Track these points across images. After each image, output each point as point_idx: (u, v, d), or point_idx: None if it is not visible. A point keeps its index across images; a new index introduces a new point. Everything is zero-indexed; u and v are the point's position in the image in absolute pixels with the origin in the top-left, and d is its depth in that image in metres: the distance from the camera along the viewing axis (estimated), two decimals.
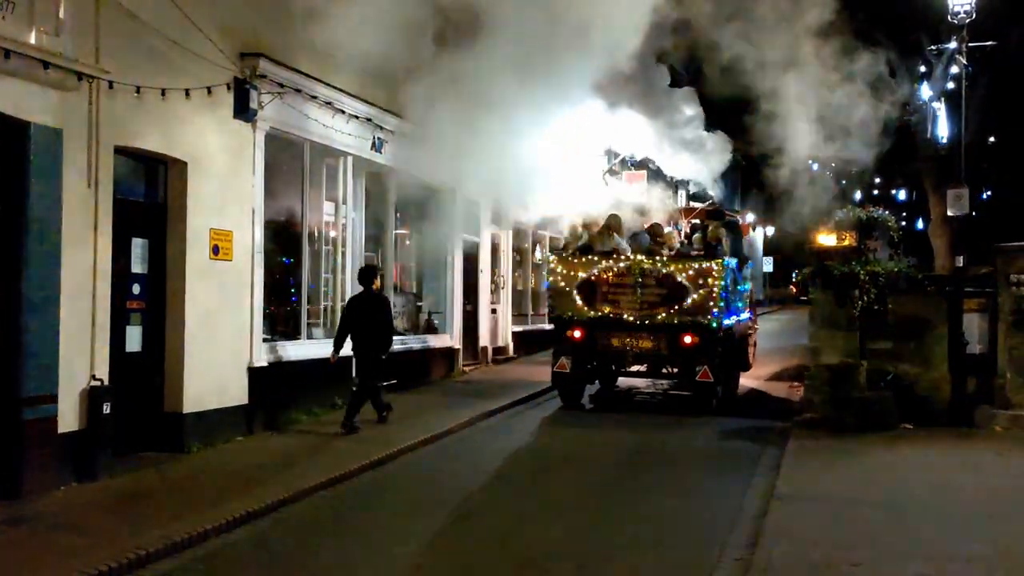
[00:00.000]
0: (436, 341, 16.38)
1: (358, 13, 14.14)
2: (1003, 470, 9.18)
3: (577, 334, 13.65)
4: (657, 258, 13.66)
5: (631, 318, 13.43)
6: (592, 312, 13.58)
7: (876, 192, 35.29)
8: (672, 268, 13.37)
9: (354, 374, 12.08)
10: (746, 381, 16.34)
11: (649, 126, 19.89)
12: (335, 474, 9.07)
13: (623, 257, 13.74)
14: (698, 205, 18.84)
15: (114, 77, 8.71)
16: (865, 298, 12.27)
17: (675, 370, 13.92)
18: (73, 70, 8.19)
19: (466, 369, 17.30)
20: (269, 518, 7.80)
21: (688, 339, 13.22)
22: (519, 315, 21.53)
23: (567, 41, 17.72)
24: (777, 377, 18.05)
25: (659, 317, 13.33)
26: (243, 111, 10.65)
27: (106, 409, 8.66)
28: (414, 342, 15.56)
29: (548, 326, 22.60)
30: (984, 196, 29.88)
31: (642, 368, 14.19)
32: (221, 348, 10.59)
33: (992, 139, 23.57)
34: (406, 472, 9.66)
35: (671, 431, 12.15)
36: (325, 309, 13.36)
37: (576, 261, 13.92)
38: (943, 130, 21.52)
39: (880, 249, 14.15)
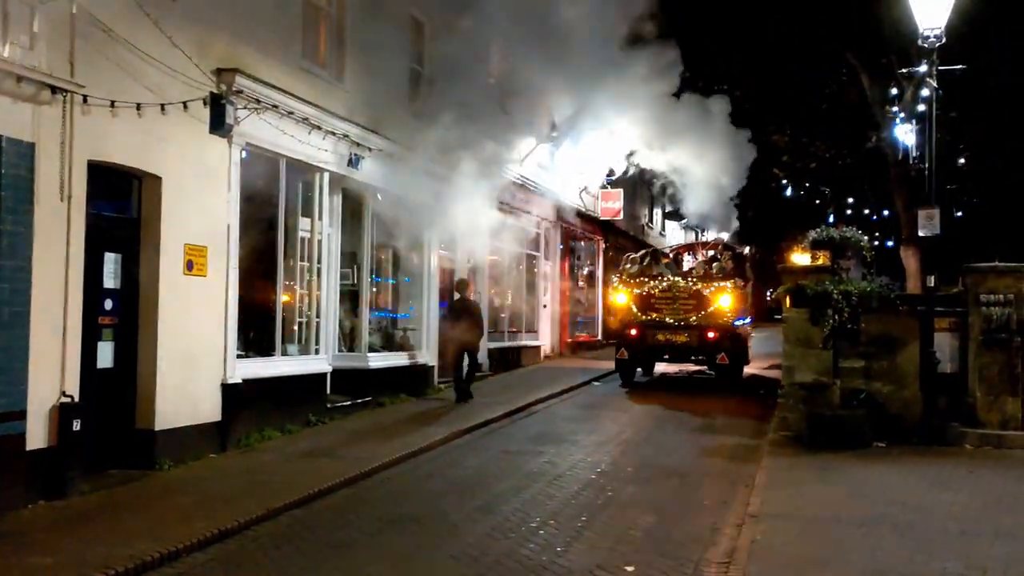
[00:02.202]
0: (410, 358, 16.32)
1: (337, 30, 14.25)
2: (974, 488, 9.26)
3: (633, 332, 18.97)
4: (689, 279, 19.19)
5: (671, 320, 18.75)
6: (644, 317, 18.90)
7: (849, 212, 35.71)
8: (700, 286, 18.84)
9: (464, 359, 15.99)
10: (746, 369, 20.48)
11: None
12: (309, 492, 9.00)
13: (665, 278, 19.14)
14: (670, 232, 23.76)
15: (88, 91, 8.67)
16: (838, 317, 12.37)
17: (702, 357, 19.09)
18: (47, 84, 8.15)
19: (441, 386, 17.22)
20: (241, 536, 7.72)
21: (711, 334, 18.41)
22: (496, 332, 21.51)
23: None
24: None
25: (691, 320, 18.61)
26: (219, 126, 10.60)
27: (76, 426, 8.57)
28: (388, 359, 15.49)
29: (524, 343, 22.86)
30: (955, 216, 30.30)
31: (678, 355, 19.46)
32: (194, 364, 10.51)
33: (962, 160, 23.96)
34: (381, 489, 9.60)
35: (647, 448, 12.18)
36: (300, 325, 13.29)
37: (632, 281, 19.40)
38: (913, 151, 21.85)
39: (853, 268, 14.29)
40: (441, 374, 17.53)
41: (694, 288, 18.86)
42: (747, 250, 23.14)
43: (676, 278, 19.23)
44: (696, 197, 24.97)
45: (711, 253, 21.09)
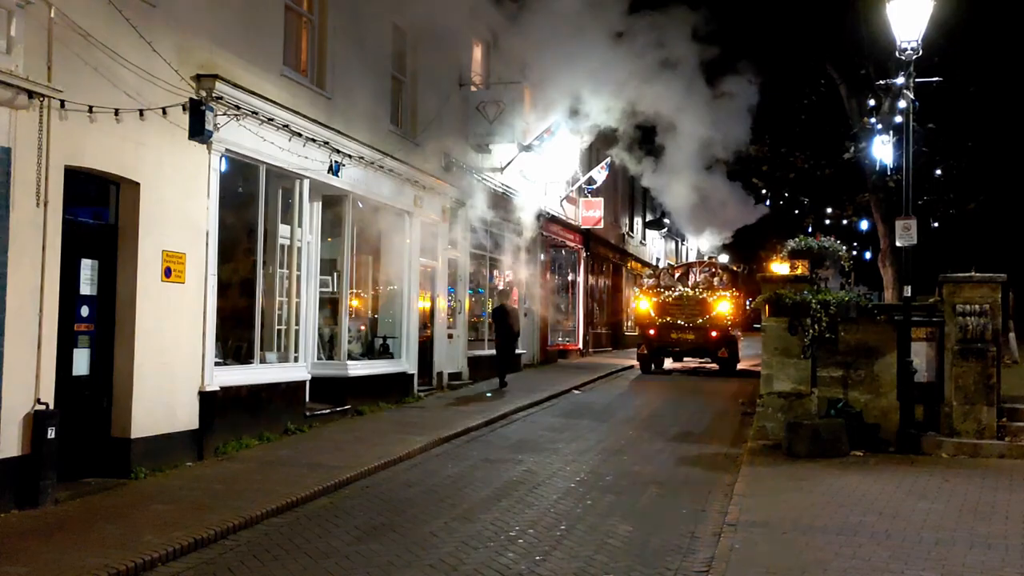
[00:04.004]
0: (390, 366, 16.27)
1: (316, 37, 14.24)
2: (950, 497, 9.33)
3: (652, 333, 24.31)
4: (696, 290, 24.56)
5: (682, 323, 24.05)
6: (660, 320, 24.17)
7: (828, 222, 35.90)
8: (704, 295, 24.39)
9: (496, 355, 19.64)
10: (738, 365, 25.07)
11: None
12: (287, 500, 8.95)
13: (677, 289, 24.63)
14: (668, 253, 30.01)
15: (66, 96, 8.61)
16: (816, 326, 12.44)
17: (706, 352, 24.50)
18: (24, 88, 8.07)
19: (421, 394, 17.19)
20: (218, 545, 7.67)
21: (714, 334, 23.85)
22: (476, 340, 21.49)
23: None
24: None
25: (697, 322, 23.92)
26: (198, 132, 10.54)
27: (51, 434, 8.47)
28: (368, 367, 15.43)
29: None
30: (932, 226, 30.50)
31: (688, 351, 24.66)
32: (172, 372, 10.43)
33: (939, 172, 24.18)
34: (360, 498, 9.55)
35: (626, 456, 12.19)
36: (279, 333, 13.22)
37: (651, 292, 24.96)
38: (891, 162, 22.02)
39: (831, 278, 14.37)
40: (421, 382, 17.49)
41: (699, 297, 24.28)
42: (730, 266, 28.04)
43: (685, 289, 24.63)
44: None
45: (711, 270, 26.10)
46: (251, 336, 12.32)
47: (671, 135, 26.70)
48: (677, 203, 35.03)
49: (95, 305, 9.74)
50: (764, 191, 32.26)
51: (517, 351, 23.83)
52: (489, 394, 17.93)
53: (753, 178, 30.37)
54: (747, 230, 40.95)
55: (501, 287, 21.97)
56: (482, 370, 20.76)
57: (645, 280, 26.21)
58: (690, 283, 25.23)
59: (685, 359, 26.26)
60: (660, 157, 28.94)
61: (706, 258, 33.77)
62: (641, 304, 25.09)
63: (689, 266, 28.23)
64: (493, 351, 22.23)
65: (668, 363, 26.05)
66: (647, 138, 28.51)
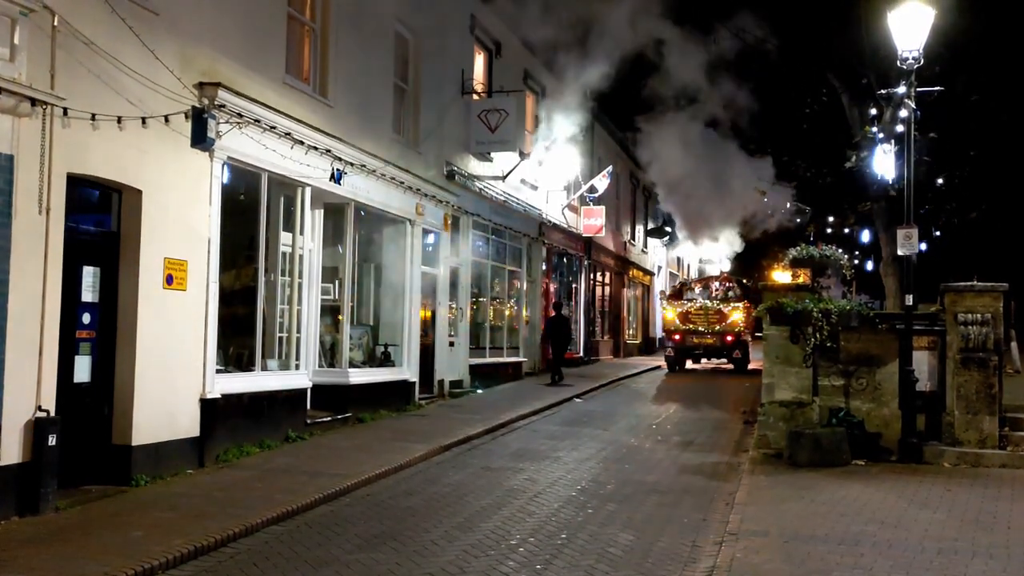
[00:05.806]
0: (391, 374, 16.26)
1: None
2: (952, 506, 9.31)
3: (676, 337, 28.20)
4: (714, 301, 28.35)
5: (702, 329, 27.73)
6: (683, 326, 27.98)
7: (829, 231, 35.93)
8: (721, 306, 28.11)
9: (551, 356, 22.82)
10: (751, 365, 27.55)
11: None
12: (288, 508, 8.94)
13: (698, 300, 28.64)
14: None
15: (69, 104, 8.62)
16: (818, 335, 12.43)
17: (723, 353, 28.15)
18: (27, 96, 8.09)
19: (422, 402, 17.17)
20: (218, 553, 7.66)
21: (729, 338, 27.55)
22: (477, 348, 21.48)
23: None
24: None
25: (716, 328, 27.62)
26: (200, 140, 10.56)
27: (51, 441, 8.47)
28: (369, 375, 15.43)
29: (506, 359, 22.88)
30: (934, 235, 30.49)
31: (707, 353, 28.33)
32: (173, 379, 10.43)
33: (940, 181, 24.17)
34: (361, 506, 9.54)
35: (627, 465, 12.17)
36: (280, 340, 13.21)
37: (675, 302, 28.97)
38: (892, 171, 22.00)
39: (833, 287, 14.39)
40: (422, 390, 17.48)
41: (717, 307, 28.01)
42: (742, 279, 31.88)
43: (705, 300, 28.52)
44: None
45: (726, 283, 30.02)
46: (252, 343, 12.32)
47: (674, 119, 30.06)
48: (685, 197, 37.17)
49: (96, 312, 9.75)
50: (765, 198, 32.42)
51: (518, 359, 23.97)
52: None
53: (756, 189, 30.75)
54: (748, 238, 40.97)
55: (555, 299, 25.53)
56: (483, 378, 20.75)
57: (670, 292, 31.31)
58: (708, 295, 29.12)
59: (703, 360, 29.68)
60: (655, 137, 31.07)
61: (721, 272, 38.07)
62: (667, 313, 29.16)
63: (707, 280, 32.60)
64: (495, 359, 22.40)
65: (688, 363, 29.76)
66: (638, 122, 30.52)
